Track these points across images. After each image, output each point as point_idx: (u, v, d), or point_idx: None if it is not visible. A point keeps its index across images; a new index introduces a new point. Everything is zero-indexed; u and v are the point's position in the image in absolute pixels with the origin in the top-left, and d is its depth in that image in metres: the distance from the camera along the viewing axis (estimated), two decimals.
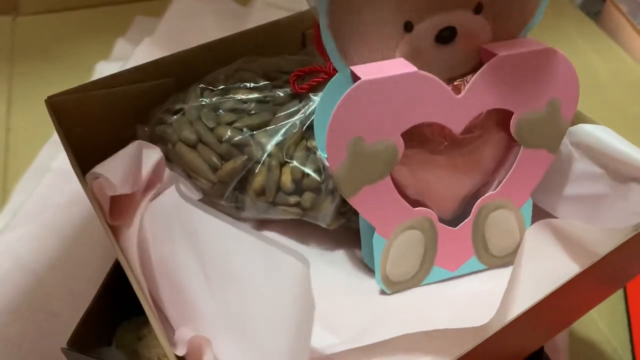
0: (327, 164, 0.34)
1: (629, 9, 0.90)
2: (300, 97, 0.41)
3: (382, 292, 0.39)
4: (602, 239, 0.32)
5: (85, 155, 0.39)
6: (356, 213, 0.39)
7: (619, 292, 0.56)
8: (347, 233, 0.43)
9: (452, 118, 0.35)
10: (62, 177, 0.65)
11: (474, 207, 0.39)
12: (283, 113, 0.40)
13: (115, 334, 0.42)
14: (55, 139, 0.68)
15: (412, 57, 0.35)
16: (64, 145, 0.39)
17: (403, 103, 0.34)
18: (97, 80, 0.42)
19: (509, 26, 0.37)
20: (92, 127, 0.43)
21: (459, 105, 0.35)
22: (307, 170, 0.39)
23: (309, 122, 0.40)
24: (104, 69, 0.76)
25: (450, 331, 0.30)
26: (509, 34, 0.37)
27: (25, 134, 0.71)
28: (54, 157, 0.67)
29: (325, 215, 0.40)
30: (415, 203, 0.38)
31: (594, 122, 0.40)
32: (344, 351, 0.32)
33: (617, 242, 0.31)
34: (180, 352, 0.29)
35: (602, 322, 0.54)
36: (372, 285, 0.40)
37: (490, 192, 0.39)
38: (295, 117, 0.40)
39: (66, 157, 0.38)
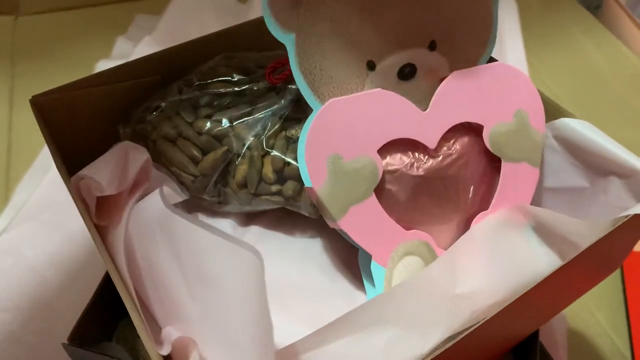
0: (311, 184, 0.35)
1: (628, 2, 0.90)
2: (276, 88, 0.41)
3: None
4: (585, 230, 0.33)
5: (71, 154, 0.39)
6: None
7: (617, 285, 0.56)
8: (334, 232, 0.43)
9: (423, 133, 0.37)
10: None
11: (471, 226, 0.39)
12: (261, 104, 0.41)
13: (115, 330, 0.43)
14: None
15: None
16: (48, 145, 0.39)
17: (372, 119, 0.36)
18: (82, 79, 0.42)
19: (464, 58, 0.39)
20: (78, 125, 0.43)
21: (426, 120, 0.37)
22: (288, 159, 0.40)
23: (287, 112, 0.40)
24: (105, 68, 0.76)
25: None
26: (467, 64, 0.39)
27: (28, 132, 0.72)
28: None
29: (308, 203, 0.40)
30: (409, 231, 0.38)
31: (575, 117, 0.40)
32: (310, 335, 0.31)
33: (596, 234, 0.31)
34: (165, 351, 0.29)
35: (600, 314, 0.54)
36: (357, 285, 0.40)
37: (483, 212, 0.39)
38: (273, 107, 0.40)
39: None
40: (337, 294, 0.39)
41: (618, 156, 0.37)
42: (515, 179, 0.39)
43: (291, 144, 0.40)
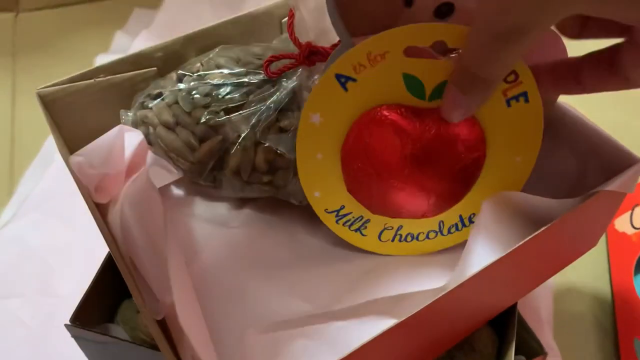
0: None
1: None
2: (273, 81, 0.43)
3: (358, 261, 0.41)
4: (557, 209, 0.34)
5: (77, 145, 0.40)
6: None
7: (604, 264, 0.58)
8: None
9: None
10: (66, 167, 0.67)
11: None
12: (257, 96, 0.42)
13: (116, 312, 0.44)
14: None
15: None
16: (54, 136, 0.41)
17: None
18: (85, 71, 0.44)
19: None
20: (82, 116, 0.45)
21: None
22: (280, 150, 0.41)
23: (282, 105, 0.42)
24: (104, 62, 0.78)
25: (414, 294, 0.32)
26: None
27: (30, 126, 0.73)
28: None
29: (297, 192, 0.42)
30: None
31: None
32: (314, 315, 0.33)
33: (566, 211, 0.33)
34: (159, 316, 0.31)
35: (586, 292, 0.56)
36: (348, 255, 0.42)
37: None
38: (269, 101, 0.42)
39: None
40: (326, 265, 0.41)
41: (599, 139, 0.37)
42: None
43: (283, 136, 0.41)
